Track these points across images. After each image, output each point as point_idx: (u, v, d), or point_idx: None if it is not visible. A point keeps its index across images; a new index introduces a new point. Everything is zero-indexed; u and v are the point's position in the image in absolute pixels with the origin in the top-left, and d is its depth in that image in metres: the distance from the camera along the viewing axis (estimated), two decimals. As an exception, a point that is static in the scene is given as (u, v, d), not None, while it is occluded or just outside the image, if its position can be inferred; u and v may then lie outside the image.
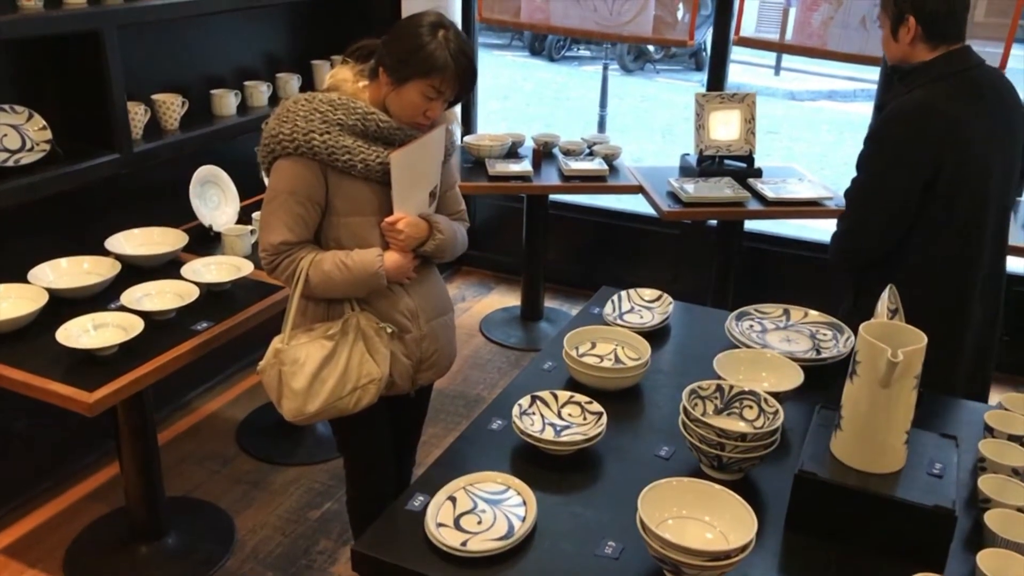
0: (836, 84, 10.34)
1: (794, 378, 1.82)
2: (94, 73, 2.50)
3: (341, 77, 1.92)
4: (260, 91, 3.21)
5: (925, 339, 1.46)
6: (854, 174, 2.20)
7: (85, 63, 2.50)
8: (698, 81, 10.18)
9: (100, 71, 2.49)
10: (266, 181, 1.92)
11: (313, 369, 1.88)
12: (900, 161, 2.09)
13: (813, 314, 2.16)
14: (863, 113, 8.39)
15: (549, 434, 1.68)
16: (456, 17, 4.10)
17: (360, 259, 1.88)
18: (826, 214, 3.14)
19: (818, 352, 2.02)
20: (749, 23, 3.88)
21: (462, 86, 1.88)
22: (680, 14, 3.84)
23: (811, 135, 8.63)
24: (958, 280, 2.17)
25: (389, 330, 1.95)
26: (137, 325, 2.11)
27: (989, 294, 2.23)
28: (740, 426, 1.64)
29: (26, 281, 2.27)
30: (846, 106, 9.83)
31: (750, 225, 3.73)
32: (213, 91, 3.07)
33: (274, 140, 1.84)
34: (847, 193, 2.24)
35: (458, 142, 2.12)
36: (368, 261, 1.88)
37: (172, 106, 2.84)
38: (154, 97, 2.83)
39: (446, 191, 2.08)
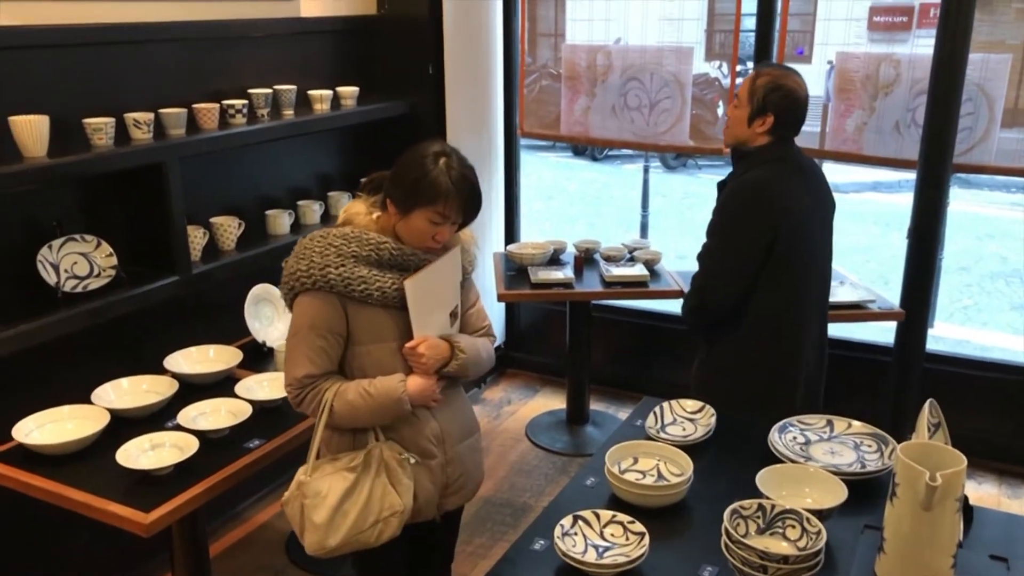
0: (880, 175, 10.36)
1: (838, 494, 1.81)
2: (157, 201, 2.66)
3: (354, 211, 1.99)
4: (313, 210, 3.36)
5: (965, 461, 1.45)
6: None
7: (149, 192, 2.67)
8: (740, 176, 10.26)
9: (163, 199, 2.65)
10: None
11: (335, 502, 1.88)
12: (746, 227, 2.47)
13: (856, 425, 2.15)
14: (910, 204, 8.40)
15: (591, 556, 1.69)
16: (498, 131, 4.27)
17: (383, 386, 1.90)
18: (868, 317, 3.15)
19: (863, 465, 2.01)
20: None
21: (466, 210, 1.93)
22: (718, 119, 3.96)
23: (856, 227, 8.62)
24: (792, 330, 2.57)
25: (412, 460, 1.95)
26: (192, 444, 2.18)
27: (817, 347, 2.68)
28: (783, 547, 1.64)
29: (90, 402, 2.38)
30: (892, 197, 9.83)
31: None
32: (268, 211, 3.23)
33: (292, 277, 1.90)
34: (699, 256, 2.59)
35: (477, 260, 2.15)
36: (391, 387, 1.89)
37: (229, 228, 2.99)
38: (212, 220, 2.99)
39: (467, 309, 2.12)
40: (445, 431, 2.03)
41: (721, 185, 2.62)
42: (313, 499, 1.90)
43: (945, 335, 5.60)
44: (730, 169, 2.62)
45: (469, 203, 1.92)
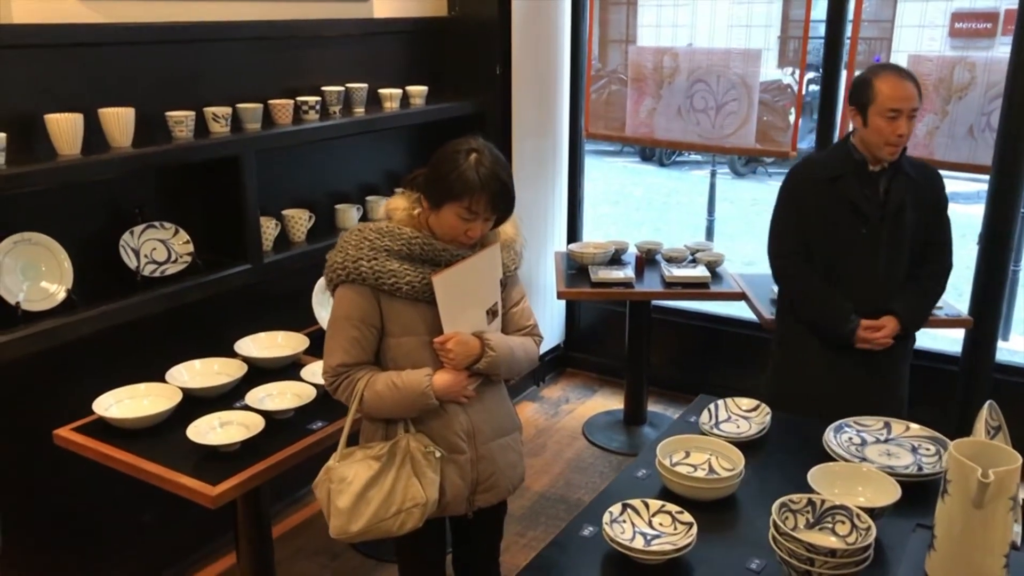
0: (957, 186, 10.02)
1: (891, 493, 1.80)
2: (233, 192, 2.78)
3: (394, 206, 2.03)
4: (380, 205, 3.45)
5: (1020, 459, 1.44)
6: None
7: (225, 183, 2.78)
8: (811, 184, 10.06)
9: (238, 191, 2.77)
10: None
11: (359, 489, 1.93)
12: None
13: (915, 427, 2.12)
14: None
15: (639, 543, 1.71)
16: (563, 132, 4.31)
17: (409, 379, 1.93)
18: (934, 324, 3.08)
19: (920, 468, 1.98)
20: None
21: (496, 206, 1.92)
22: (789, 125, 3.92)
23: (931, 238, 8.39)
24: None
25: (438, 454, 1.97)
26: (258, 423, 2.28)
27: None
28: (831, 541, 1.64)
29: (164, 380, 2.49)
30: (968, 208, 9.52)
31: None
32: (337, 205, 3.33)
33: (331, 269, 1.97)
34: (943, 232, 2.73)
35: (521, 258, 2.14)
36: (416, 381, 1.92)
37: (300, 220, 3.10)
38: (284, 212, 3.10)
39: (511, 307, 2.11)
40: (476, 427, 2.03)
41: (896, 177, 2.65)
42: (338, 484, 1.95)
43: (1021, 349, 5.42)
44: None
45: (498, 199, 1.91)
